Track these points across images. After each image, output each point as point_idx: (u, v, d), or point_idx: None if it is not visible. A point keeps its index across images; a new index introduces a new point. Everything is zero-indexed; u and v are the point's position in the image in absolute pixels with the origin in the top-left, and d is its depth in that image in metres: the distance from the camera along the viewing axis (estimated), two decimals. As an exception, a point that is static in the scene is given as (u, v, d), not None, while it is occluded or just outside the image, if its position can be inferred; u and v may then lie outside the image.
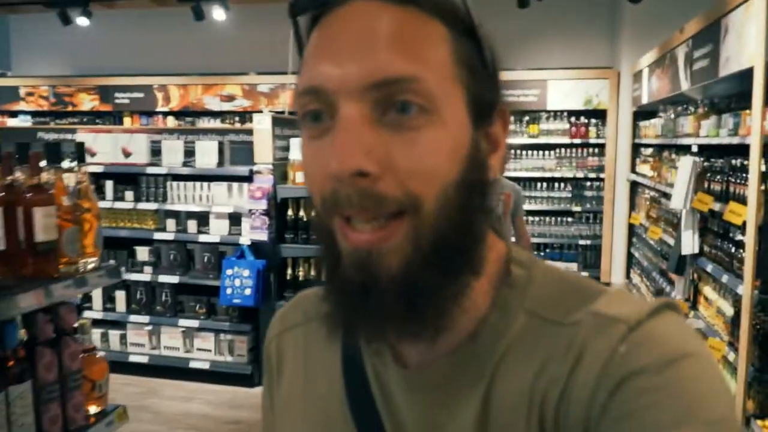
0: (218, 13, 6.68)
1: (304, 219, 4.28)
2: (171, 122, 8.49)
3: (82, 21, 6.87)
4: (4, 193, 1.47)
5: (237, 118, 8.28)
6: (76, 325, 1.63)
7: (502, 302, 0.57)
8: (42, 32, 8.94)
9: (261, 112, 7.83)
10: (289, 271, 4.34)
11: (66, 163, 1.70)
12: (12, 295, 1.39)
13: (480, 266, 0.56)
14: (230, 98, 8.34)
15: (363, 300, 0.52)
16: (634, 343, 0.50)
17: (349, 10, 0.52)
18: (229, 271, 4.20)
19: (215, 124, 8.33)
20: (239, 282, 4.17)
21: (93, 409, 1.70)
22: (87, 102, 8.64)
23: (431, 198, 0.51)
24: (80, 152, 1.63)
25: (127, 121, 8.60)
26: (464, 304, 0.55)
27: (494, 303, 0.57)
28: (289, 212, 4.30)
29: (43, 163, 1.55)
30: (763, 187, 3.01)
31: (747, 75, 3.11)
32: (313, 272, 4.31)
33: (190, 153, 4.37)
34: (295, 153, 4.31)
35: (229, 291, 4.20)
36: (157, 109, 8.49)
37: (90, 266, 1.66)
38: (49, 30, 8.41)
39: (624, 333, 0.51)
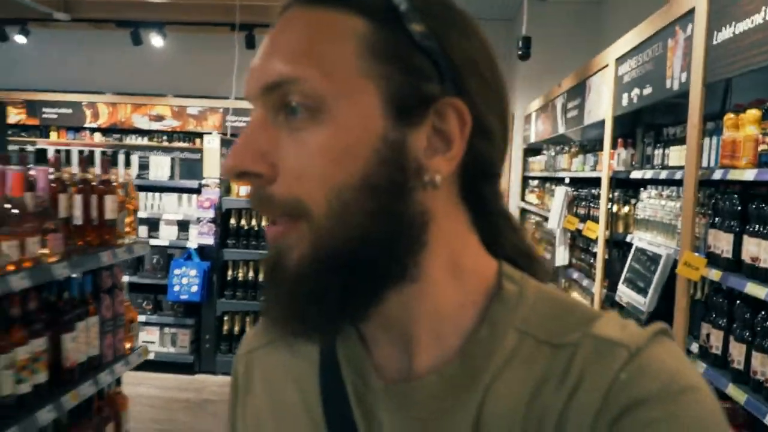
0: (156, 40, 7.20)
1: (245, 227, 4.94)
2: (98, 138, 8.81)
3: (20, 39, 7.17)
4: (82, 185, 2.11)
5: (165, 137, 8.74)
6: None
7: (492, 318, 0.54)
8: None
9: (194, 132, 8.37)
10: (230, 272, 4.96)
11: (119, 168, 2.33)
12: (97, 253, 2.02)
13: (411, 271, 0.52)
14: (159, 118, 8.79)
15: (272, 292, 0.52)
16: (636, 370, 0.49)
17: (280, 20, 0.53)
18: (177, 271, 4.77)
19: (143, 141, 8.74)
20: (186, 280, 4.74)
21: (127, 345, 2.33)
22: (13, 115, 8.80)
23: (320, 202, 0.49)
24: (127, 159, 2.28)
25: (53, 136, 8.83)
26: (396, 309, 0.53)
27: (483, 318, 0.54)
28: (232, 221, 4.94)
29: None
30: (609, 209, 4.00)
31: (602, 125, 4.13)
32: (251, 274, 4.96)
33: (143, 167, 4.93)
34: (239, 170, 4.97)
35: (176, 288, 4.76)
36: (85, 125, 8.80)
37: (129, 240, 2.30)
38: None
39: (625, 359, 0.50)
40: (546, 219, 6.03)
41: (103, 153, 2.23)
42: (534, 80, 7.12)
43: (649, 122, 3.73)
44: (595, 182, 4.44)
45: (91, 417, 2.17)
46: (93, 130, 8.84)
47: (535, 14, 6.74)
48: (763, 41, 2.10)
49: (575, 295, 4.86)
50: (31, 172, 1.84)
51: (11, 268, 1.67)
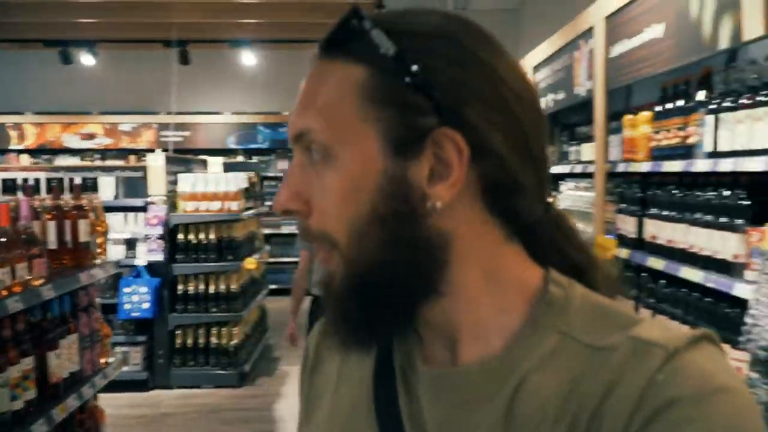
0: (87, 58, 7.18)
1: (194, 242, 5.07)
2: (25, 160, 8.64)
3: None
4: (55, 212, 2.27)
5: (98, 156, 8.67)
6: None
7: (535, 320, 0.57)
8: None
9: (127, 149, 8.33)
10: (180, 287, 5.09)
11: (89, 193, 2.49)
12: (76, 274, 2.19)
13: (440, 287, 0.56)
14: (90, 136, 8.72)
15: (326, 308, 0.60)
16: (672, 371, 0.50)
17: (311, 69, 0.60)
18: (126, 289, 4.85)
19: (75, 161, 8.63)
20: (137, 298, 4.84)
21: (103, 360, 2.50)
22: (-69, 139, 8.52)
23: (341, 234, 0.56)
24: (94, 185, 2.45)
25: (-23, 160, 8.60)
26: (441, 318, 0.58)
27: (528, 320, 0.57)
28: (180, 236, 5.07)
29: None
30: None
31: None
32: (201, 287, 5.10)
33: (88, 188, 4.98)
34: (183, 186, 5.11)
35: (127, 306, 4.85)
36: (11, 147, 8.62)
37: (102, 261, 2.47)
38: None
39: (663, 360, 0.50)
40: None
41: (72, 180, 2.39)
42: None
43: (564, 122, 4.13)
44: None
45: (74, 430, 2.33)
46: (19, 152, 8.67)
47: None
48: (645, 57, 2.48)
49: None
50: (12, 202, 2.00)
51: (5, 293, 1.84)
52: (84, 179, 2.39)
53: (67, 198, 2.30)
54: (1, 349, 1.89)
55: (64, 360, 2.19)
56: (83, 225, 2.28)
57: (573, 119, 3.95)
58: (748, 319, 1.92)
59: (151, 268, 5.00)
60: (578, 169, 3.56)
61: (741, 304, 2.02)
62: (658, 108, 2.64)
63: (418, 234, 0.55)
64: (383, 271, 0.55)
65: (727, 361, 0.54)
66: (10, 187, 2.27)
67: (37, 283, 2.01)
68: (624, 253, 2.91)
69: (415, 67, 0.54)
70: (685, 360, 0.51)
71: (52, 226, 2.23)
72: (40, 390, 2.09)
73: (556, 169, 3.92)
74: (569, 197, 3.80)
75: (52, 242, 2.24)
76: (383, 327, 0.59)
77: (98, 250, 2.46)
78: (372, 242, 0.55)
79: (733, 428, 0.48)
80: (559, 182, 4.02)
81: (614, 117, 3.04)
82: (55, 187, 2.30)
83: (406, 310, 0.58)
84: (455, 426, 0.57)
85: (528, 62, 4.32)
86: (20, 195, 2.17)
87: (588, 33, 3.09)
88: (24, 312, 2.02)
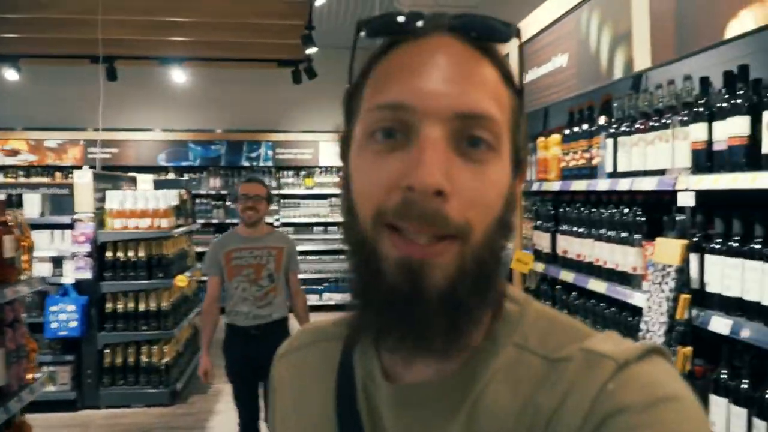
0: (9, 74, 6.98)
1: (122, 259, 5.01)
2: (-57, 176, 8.27)
3: None
4: (-21, 227, 2.27)
5: (22, 173, 8.39)
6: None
7: (493, 334, 0.59)
8: None
9: (54, 166, 8.11)
10: (109, 305, 5.01)
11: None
12: (1, 290, 2.19)
13: (494, 296, 0.59)
14: (14, 153, 8.44)
15: (407, 307, 0.53)
16: (622, 381, 0.52)
17: (431, 41, 0.57)
18: (53, 308, 4.74)
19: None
20: (65, 317, 4.73)
21: (30, 375, 2.48)
22: None
23: (481, 228, 0.55)
24: (19, 201, 2.45)
25: None
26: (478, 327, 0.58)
27: (485, 335, 0.59)
28: (108, 254, 5.00)
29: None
30: None
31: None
32: (131, 305, 5.04)
33: (14, 204, 4.86)
34: (111, 203, 5.05)
35: (54, 325, 4.73)
36: (-74, 163, 8.24)
37: (27, 276, 2.46)
38: None
39: (613, 371, 0.53)
40: None
41: (9, 195, 2.39)
42: None
43: None
44: None
45: (-1, 445, 2.31)
46: (-64, 169, 8.30)
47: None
48: (553, 84, 2.71)
49: None
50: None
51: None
52: (9, 195, 2.39)
53: (-9, 214, 2.31)
54: None
55: (-12, 376, 2.18)
56: (8, 241, 2.29)
57: None
58: (642, 326, 2.13)
59: (79, 286, 4.90)
60: None
61: (640, 312, 2.23)
62: (567, 131, 2.87)
63: (507, 242, 0.60)
64: (492, 273, 0.57)
65: (675, 372, 0.55)
66: None
67: (-42, 298, 2.01)
68: (540, 267, 3.11)
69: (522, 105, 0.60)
70: (635, 371, 0.53)
71: (-24, 242, 2.22)
72: (-36, 406, 2.08)
73: None
74: None
75: (-24, 258, 2.23)
76: (466, 331, 0.57)
77: (23, 266, 2.46)
78: (496, 242, 0.57)
79: None
80: None
81: (533, 139, 3.26)
82: (-21, 202, 2.30)
83: (482, 312, 0.58)
84: None
85: None
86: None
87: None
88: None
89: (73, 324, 4.76)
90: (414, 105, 0.54)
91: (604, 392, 0.52)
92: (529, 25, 2.98)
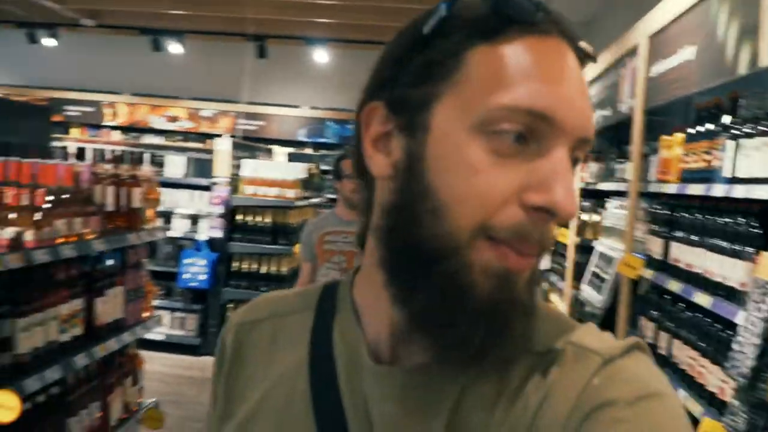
0: (175, 47, 7.70)
1: (250, 223, 5.40)
2: (117, 136, 9.31)
3: (48, 42, 7.68)
4: (114, 179, 2.57)
5: (179, 138, 9.24)
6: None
7: None
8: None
9: (206, 134, 8.86)
10: (235, 264, 5.42)
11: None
12: (125, 234, 2.49)
13: None
14: (174, 119, 9.30)
15: (502, 314, 0.53)
16: (608, 376, 0.52)
17: (558, 45, 0.53)
18: (187, 261, 5.23)
19: (159, 140, 9.24)
20: (196, 269, 5.21)
21: (145, 314, 2.79)
22: (37, 111, 9.33)
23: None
24: (161, 161, 2.75)
25: (74, 132, 9.35)
26: None
27: None
28: (238, 217, 5.41)
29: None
30: (580, 218, 4.42)
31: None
32: (254, 266, 5.42)
33: (159, 164, 5.41)
34: (246, 170, 5.44)
35: (186, 276, 5.22)
36: (105, 124, 9.32)
37: (151, 227, 2.76)
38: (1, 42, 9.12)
39: (599, 366, 0.53)
40: None
41: (132, 153, 2.70)
42: None
43: (616, 138, 4.14)
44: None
45: (114, 368, 2.63)
46: (112, 128, 9.36)
47: None
48: (678, 78, 2.53)
49: (553, 296, 5.26)
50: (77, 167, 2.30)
51: (60, 240, 2.13)
52: (153, 155, 2.68)
53: (125, 168, 2.60)
54: (54, 289, 2.18)
55: (109, 307, 2.49)
56: (136, 193, 2.57)
57: (623, 137, 3.96)
58: (734, 345, 1.96)
59: (211, 243, 5.36)
60: (622, 187, 3.59)
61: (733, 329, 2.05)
62: (691, 131, 2.67)
63: None
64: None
65: (656, 368, 0.56)
66: (80, 155, 2.59)
67: (91, 237, 2.30)
68: (649, 273, 2.94)
69: None
70: (620, 367, 0.53)
71: (110, 191, 2.52)
72: (87, 330, 2.39)
73: (602, 186, 3.95)
74: (613, 215, 3.82)
75: (110, 205, 2.54)
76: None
77: (149, 217, 2.75)
78: None
79: (665, 428, 0.50)
80: (605, 200, 4.04)
81: (656, 137, 3.06)
82: (117, 157, 2.61)
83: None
84: (403, 425, 0.57)
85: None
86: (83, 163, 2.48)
87: (633, 51, 3.13)
88: (79, 261, 2.32)
89: (203, 277, 5.22)
90: (558, 117, 0.51)
91: (590, 387, 0.52)
92: (656, 16, 2.80)
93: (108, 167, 2.57)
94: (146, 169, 2.76)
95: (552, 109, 0.51)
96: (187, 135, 9.23)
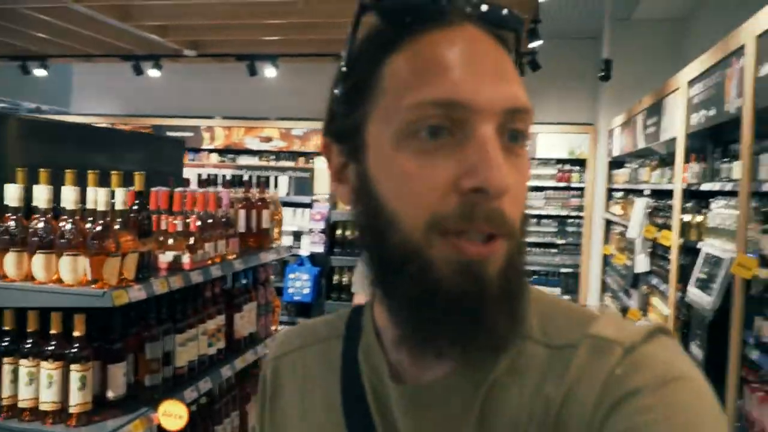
0: (269, 71, 8.07)
1: (349, 237, 5.62)
2: (214, 159, 9.84)
3: (153, 73, 8.25)
4: (245, 202, 2.81)
5: (273, 157, 9.67)
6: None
7: None
8: (100, 75, 10.30)
9: (298, 152, 9.20)
10: (336, 277, 5.66)
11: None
12: (258, 253, 2.72)
13: None
14: (268, 139, 9.74)
15: (471, 306, 0.52)
16: (630, 365, 0.52)
17: (464, 32, 0.54)
18: (291, 275, 5.51)
19: (254, 161, 9.68)
20: (300, 284, 5.47)
21: (273, 327, 3.02)
22: (143, 138, 10.02)
23: (519, 221, 0.55)
24: (267, 182, 2.98)
25: (176, 156, 9.94)
26: None
27: None
28: (338, 232, 5.64)
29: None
30: (682, 219, 4.35)
31: (675, 141, 4.49)
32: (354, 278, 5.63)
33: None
34: (344, 187, 5.68)
35: (291, 290, 5.50)
36: (203, 147, 9.88)
37: (277, 245, 3.00)
38: (106, 73, 9.85)
39: (620, 356, 0.52)
40: (627, 227, 6.31)
41: (259, 177, 2.94)
42: (618, 94, 7.37)
43: (718, 138, 4.06)
44: (671, 193, 4.77)
45: (249, 379, 2.86)
46: (210, 151, 9.89)
47: (618, 34, 7.09)
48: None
49: (656, 300, 5.17)
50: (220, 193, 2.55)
51: (210, 262, 2.37)
52: (260, 177, 2.90)
53: (254, 192, 2.84)
54: (203, 306, 2.43)
55: (245, 322, 2.72)
56: (265, 214, 2.80)
57: (726, 136, 3.88)
58: None
59: (313, 258, 5.61)
60: (728, 187, 3.53)
61: None
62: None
63: None
64: (525, 257, 0.58)
65: (681, 351, 0.55)
66: (204, 180, 2.85)
67: (231, 257, 2.54)
68: (765, 273, 2.89)
69: None
70: (642, 354, 0.53)
71: (242, 213, 2.76)
72: (228, 343, 2.63)
73: (706, 186, 3.89)
74: (718, 215, 3.76)
75: (241, 227, 2.78)
76: (520, 322, 0.56)
77: (275, 237, 2.98)
78: (525, 236, 0.57)
79: (690, 413, 0.49)
80: (710, 200, 3.97)
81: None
82: (246, 182, 2.85)
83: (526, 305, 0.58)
84: None
85: (681, 78, 4.30)
86: (220, 188, 2.73)
87: (739, 51, 3.09)
88: (219, 280, 2.56)
89: (306, 291, 5.47)
90: (468, 102, 0.52)
91: (613, 378, 0.52)
92: (764, 16, 2.77)
93: (238, 191, 2.82)
94: (272, 192, 2.99)
95: (457, 94, 0.52)
96: (279, 154, 9.64)
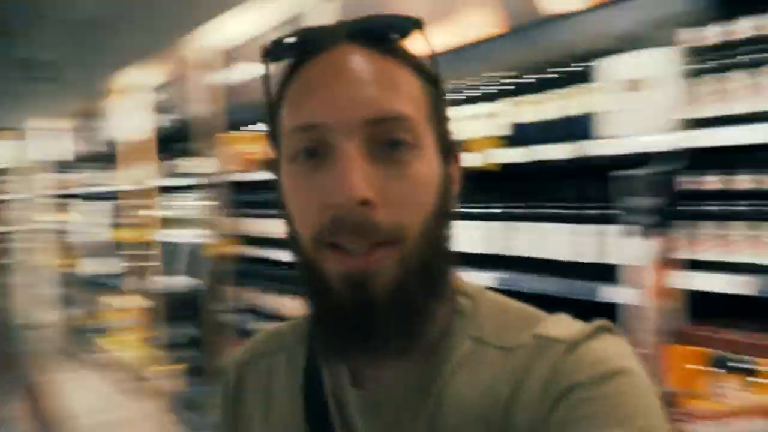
0: None
1: None
2: None
3: None
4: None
5: None
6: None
7: (449, 330, 0.60)
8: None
9: None
10: None
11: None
12: None
13: (446, 290, 0.60)
14: None
15: (358, 319, 0.53)
16: (573, 361, 0.54)
17: (334, 54, 0.56)
18: None
19: None
20: None
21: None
22: None
23: (416, 227, 0.55)
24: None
25: None
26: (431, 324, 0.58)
27: (442, 331, 0.60)
28: None
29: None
30: (145, 214, 4.56)
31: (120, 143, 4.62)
32: None
33: None
34: None
35: None
36: None
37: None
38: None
39: (564, 352, 0.55)
40: (82, 233, 5.94)
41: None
42: (53, 96, 6.95)
43: (174, 138, 4.32)
44: (140, 193, 4.79)
45: None
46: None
47: (42, 32, 6.65)
48: (244, 88, 3.06)
49: (128, 297, 5.07)
50: None
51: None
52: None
53: None
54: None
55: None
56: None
57: (180, 137, 4.23)
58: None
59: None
60: (189, 182, 3.86)
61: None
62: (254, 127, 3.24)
63: (451, 233, 0.61)
64: (439, 268, 0.58)
65: (625, 347, 0.57)
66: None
67: None
68: (241, 249, 3.38)
69: (443, 92, 0.62)
70: (584, 350, 0.55)
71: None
72: None
73: (169, 182, 4.16)
74: (184, 207, 4.02)
75: None
76: (420, 330, 0.57)
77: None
78: (434, 237, 0.57)
79: (629, 405, 0.51)
80: (169, 195, 4.24)
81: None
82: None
83: (434, 311, 0.59)
84: None
85: (135, 79, 4.43)
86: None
87: (203, 59, 3.46)
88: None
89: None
90: (324, 122, 0.54)
91: (557, 373, 0.54)
92: (214, 28, 3.26)
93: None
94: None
95: (318, 116, 0.54)
96: None
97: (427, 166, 0.57)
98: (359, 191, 0.52)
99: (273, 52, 0.60)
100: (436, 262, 0.58)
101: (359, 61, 0.57)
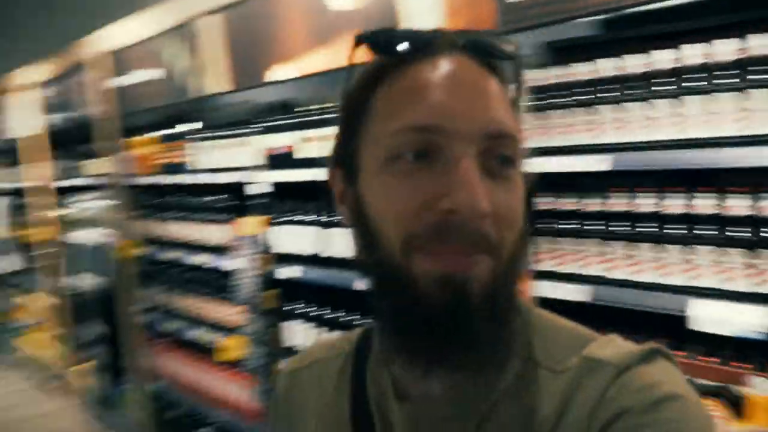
0: None
1: None
2: None
3: None
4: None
5: None
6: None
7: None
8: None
9: None
10: None
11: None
12: None
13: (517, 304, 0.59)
14: None
15: (454, 319, 0.52)
16: (622, 385, 0.52)
17: (449, 60, 0.56)
18: None
19: None
20: None
21: None
22: None
23: (511, 242, 0.55)
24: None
25: None
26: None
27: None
28: None
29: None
30: (49, 214, 4.52)
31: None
32: None
33: None
34: None
35: None
36: None
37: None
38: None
39: (613, 376, 0.53)
40: None
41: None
42: None
43: (74, 139, 4.29)
44: (42, 191, 4.73)
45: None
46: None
47: None
48: (146, 92, 3.14)
49: (34, 294, 5.05)
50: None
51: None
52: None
53: None
54: None
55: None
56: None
57: (81, 137, 4.21)
58: (234, 282, 2.81)
59: None
60: (89, 182, 3.88)
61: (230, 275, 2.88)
62: (163, 132, 3.31)
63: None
64: (516, 285, 0.58)
65: (677, 371, 0.55)
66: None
67: None
68: (146, 250, 3.47)
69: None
70: (634, 375, 0.53)
71: None
72: None
73: (66, 183, 4.14)
74: (87, 208, 4.04)
75: None
76: (507, 339, 0.57)
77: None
78: (518, 251, 0.57)
79: (685, 430, 0.49)
80: (70, 195, 4.23)
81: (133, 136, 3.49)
82: None
83: (515, 325, 0.59)
84: None
85: (29, 76, 4.34)
86: None
87: (96, 61, 3.45)
88: None
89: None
90: (447, 127, 0.53)
91: (605, 398, 0.53)
92: (117, 31, 3.26)
93: None
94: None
95: (441, 120, 0.53)
96: None
97: (521, 185, 0.58)
98: (485, 204, 0.52)
99: (377, 42, 0.59)
100: (516, 280, 0.58)
101: (477, 73, 0.57)
